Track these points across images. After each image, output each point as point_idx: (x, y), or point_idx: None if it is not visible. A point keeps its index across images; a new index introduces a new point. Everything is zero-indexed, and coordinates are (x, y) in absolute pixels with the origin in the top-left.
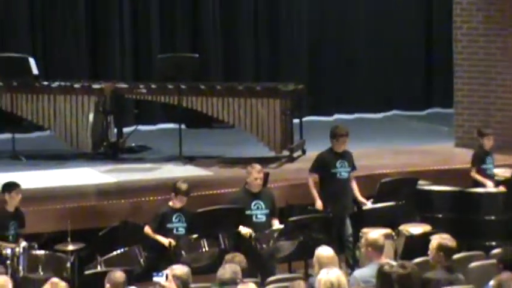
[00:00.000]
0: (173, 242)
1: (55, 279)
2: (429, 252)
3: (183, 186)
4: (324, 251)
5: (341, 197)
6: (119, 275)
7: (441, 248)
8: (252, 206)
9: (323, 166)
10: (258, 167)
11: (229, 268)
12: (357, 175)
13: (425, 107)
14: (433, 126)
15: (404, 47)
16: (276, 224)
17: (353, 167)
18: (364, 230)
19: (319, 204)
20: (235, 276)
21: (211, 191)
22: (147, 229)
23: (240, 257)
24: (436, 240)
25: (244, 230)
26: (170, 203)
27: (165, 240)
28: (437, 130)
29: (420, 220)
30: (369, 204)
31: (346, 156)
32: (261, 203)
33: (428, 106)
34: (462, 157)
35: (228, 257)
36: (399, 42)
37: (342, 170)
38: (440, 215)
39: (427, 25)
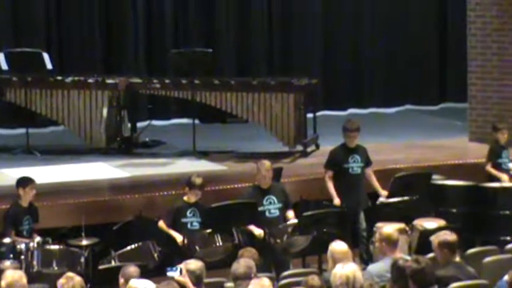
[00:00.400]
0: (185, 241)
1: (70, 274)
2: (434, 253)
3: (198, 181)
4: (338, 246)
5: (354, 191)
6: (132, 269)
7: (443, 245)
8: (264, 202)
9: (336, 162)
10: (267, 164)
11: (244, 263)
12: (371, 170)
13: (438, 101)
14: (446, 120)
15: (418, 41)
16: (292, 215)
17: (368, 162)
18: (378, 224)
19: (337, 202)
20: (249, 271)
21: (225, 186)
22: (161, 223)
23: (253, 252)
24: (435, 239)
25: (257, 231)
26: (185, 198)
27: (178, 237)
28: (451, 125)
29: (434, 215)
30: (382, 199)
31: (359, 151)
32: (273, 197)
33: (442, 101)
34: (476, 151)
35: (241, 251)
36: (413, 36)
37: (354, 165)
38: (454, 210)
39: (441, 19)
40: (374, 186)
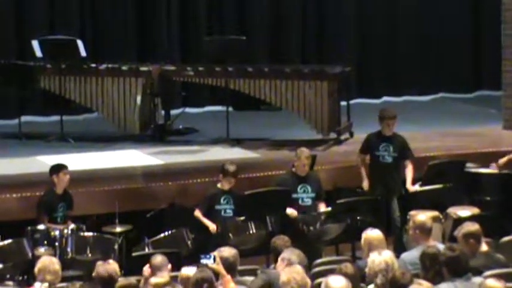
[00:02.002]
0: (218, 229)
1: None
2: (461, 246)
3: (231, 168)
4: (373, 233)
5: (385, 180)
6: (159, 258)
7: (467, 236)
8: (299, 190)
9: (368, 147)
10: (306, 152)
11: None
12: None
13: (473, 89)
14: (481, 108)
15: (452, 29)
16: (323, 208)
17: (404, 153)
18: (412, 212)
19: (365, 184)
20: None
21: (259, 173)
22: (197, 212)
23: (286, 240)
24: (459, 232)
25: (289, 210)
26: (218, 185)
27: (211, 225)
28: (485, 112)
29: (468, 203)
30: (416, 187)
31: (393, 140)
32: (308, 186)
33: (477, 88)
34: (510, 139)
35: (274, 239)
36: (447, 24)
37: (385, 154)
38: (488, 198)
39: (475, 7)
40: (406, 177)
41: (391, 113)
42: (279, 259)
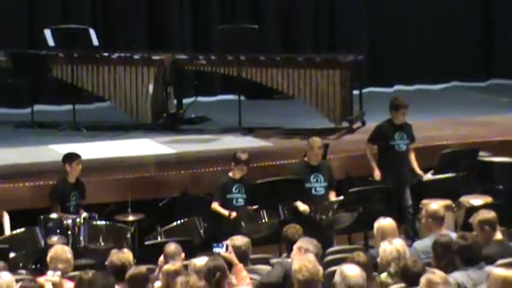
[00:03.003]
0: (233, 214)
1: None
2: (476, 233)
3: (243, 156)
4: (386, 222)
5: (399, 168)
6: (173, 246)
7: (483, 222)
8: (311, 179)
9: (381, 137)
10: (319, 142)
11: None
12: (417, 146)
13: (485, 78)
14: (493, 97)
15: (464, 17)
16: (333, 197)
17: (411, 139)
18: (425, 201)
19: (377, 174)
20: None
21: (271, 162)
22: (214, 205)
23: (297, 228)
24: (475, 218)
25: (302, 207)
26: (230, 174)
27: (232, 213)
28: (498, 101)
29: (481, 191)
30: (429, 176)
31: (405, 128)
32: (320, 176)
33: (489, 77)
34: None
35: (286, 228)
36: (459, 12)
37: (400, 142)
38: (501, 186)
39: None
40: (412, 164)
41: (403, 102)
42: (295, 248)
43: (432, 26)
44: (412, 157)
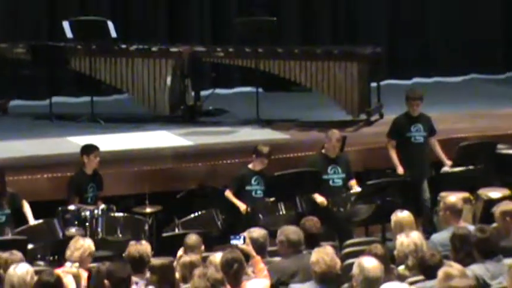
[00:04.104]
0: (249, 210)
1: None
2: (497, 224)
3: (265, 149)
4: (403, 215)
5: (416, 161)
6: (194, 237)
7: (505, 214)
8: (329, 171)
9: (398, 130)
10: (337, 134)
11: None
12: (436, 139)
13: (504, 70)
14: None
15: (482, 9)
16: (354, 183)
17: (431, 131)
18: (443, 194)
19: (400, 170)
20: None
21: (288, 155)
22: (228, 193)
23: (315, 220)
24: (497, 209)
25: (319, 199)
26: (250, 166)
27: (242, 206)
28: None
29: (499, 184)
30: (447, 168)
31: (422, 120)
32: (338, 167)
33: (508, 69)
34: None
35: (304, 220)
36: (478, 4)
37: (416, 134)
38: None
39: None
40: (438, 155)
41: (416, 94)
42: None
43: (451, 18)
44: (437, 148)
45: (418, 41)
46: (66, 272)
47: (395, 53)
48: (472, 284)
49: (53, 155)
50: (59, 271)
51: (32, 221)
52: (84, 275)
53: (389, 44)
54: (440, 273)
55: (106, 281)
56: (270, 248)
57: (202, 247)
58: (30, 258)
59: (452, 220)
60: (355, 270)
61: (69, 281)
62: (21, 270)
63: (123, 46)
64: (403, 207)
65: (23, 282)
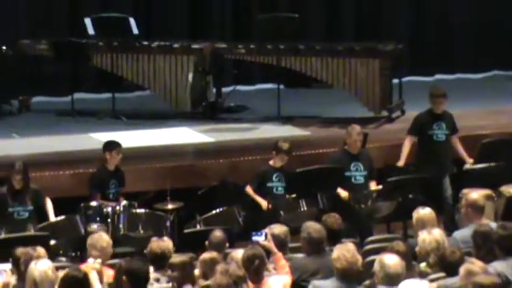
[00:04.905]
0: (270, 206)
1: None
2: None
3: (285, 145)
4: (425, 212)
5: (438, 158)
6: (218, 234)
7: None
8: (351, 168)
9: (419, 127)
10: (357, 128)
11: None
12: (457, 136)
13: None
14: None
15: (506, 6)
16: (373, 186)
17: (453, 129)
18: (464, 190)
19: (400, 163)
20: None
21: (310, 151)
22: (248, 189)
23: (337, 217)
24: None
25: (343, 194)
26: (271, 162)
27: (263, 202)
28: None
29: None
30: (468, 165)
31: (444, 118)
32: (360, 164)
33: None
34: None
35: (325, 217)
36: (501, 1)
37: (438, 132)
38: None
39: None
40: (460, 153)
41: (440, 91)
42: None
43: (474, 14)
44: (459, 146)
45: (440, 37)
46: (90, 268)
47: (418, 49)
48: (495, 281)
49: (75, 151)
50: (82, 267)
51: (53, 219)
52: (108, 272)
53: (411, 41)
54: (462, 270)
55: (124, 278)
56: (291, 245)
57: (227, 244)
58: (52, 254)
59: (474, 217)
60: (376, 266)
61: (93, 277)
62: (43, 265)
63: (145, 43)
64: (424, 204)
65: (44, 277)
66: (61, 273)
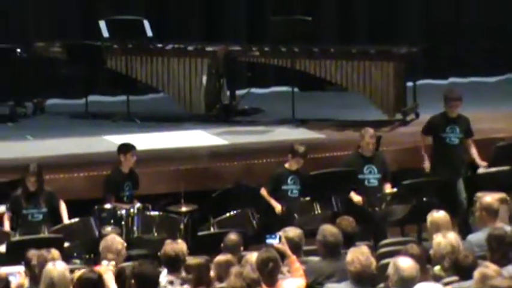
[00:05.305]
0: (284, 210)
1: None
2: None
3: (301, 148)
4: (439, 215)
5: (451, 161)
6: (233, 237)
7: None
8: (365, 170)
9: (433, 129)
10: (370, 131)
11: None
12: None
13: None
14: None
15: None
16: (388, 189)
17: (467, 133)
18: (479, 194)
19: (426, 166)
20: None
21: (324, 154)
22: (263, 191)
23: (351, 220)
24: None
25: (356, 198)
26: (286, 165)
27: (277, 206)
28: None
29: None
30: (483, 169)
31: (459, 121)
32: (374, 167)
33: None
34: None
35: (339, 219)
36: None
37: (452, 136)
38: None
39: None
40: (473, 156)
41: (456, 94)
42: None
43: (487, 17)
44: (472, 150)
45: (454, 40)
46: (105, 269)
47: (432, 52)
48: (511, 285)
49: (89, 153)
50: (97, 269)
51: (67, 222)
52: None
53: (425, 44)
54: (477, 274)
55: (132, 281)
56: (305, 248)
57: (242, 248)
58: (66, 257)
59: (489, 220)
60: (390, 270)
61: (109, 277)
62: (61, 266)
63: (159, 45)
64: (439, 207)
65: (62, 278)
66: (75, 275)
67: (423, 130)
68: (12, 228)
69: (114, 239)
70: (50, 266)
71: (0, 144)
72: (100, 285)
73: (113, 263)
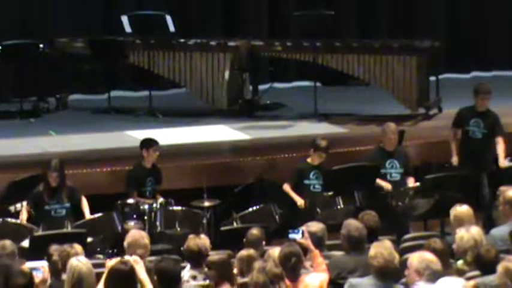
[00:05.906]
0: (306, 205)
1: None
2: None
3: (323, 143)
4: (462, 209)
5: (474, 155)
6: (255, 231)
7: None
8: (387, 165)
9: (459, 122)
10: (393, 126)
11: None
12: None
13: None
14: None
15: None
16: (411, 183)
17: (494, 129)
18: (502, 188)
19: (454, 160)
20: None
21: (346, 149)
22: (286, 186)
23: (373, 215)
24: None
25: (384, 184)
26: (308, 160)
27: (299, 200)
28: None
29: None
30: (506, 163)
31: (485, 116)
32: (396, 162)
33: None
34: None
35: (362, 214)
36: None
37: (475, 130)
38: None
39: None
40: (498, 153)
41: (484, 88)
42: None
43: (511, 11)
44: (499, 147)
45: (477, 34)
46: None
47: (454, 46)
48: None
49: (111, 148)
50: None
51: (89, 217)
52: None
53: (448, 38)
54: (500, 268)
55: (155, 278)
56: (328, 242)
57: (264, 242)
58: (89, 251)
59: None
60: (419, 265)
61: (140, 267)
62: (87, 260)
63: (182, 40)
64: (462, 201)
65: (90, 273)
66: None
67: (453, 122)
68: (28, 220)
69: (141, 234)
70: (76, 261)
71: (23, 139)
72: (132, 276)
73: (135, 257)
